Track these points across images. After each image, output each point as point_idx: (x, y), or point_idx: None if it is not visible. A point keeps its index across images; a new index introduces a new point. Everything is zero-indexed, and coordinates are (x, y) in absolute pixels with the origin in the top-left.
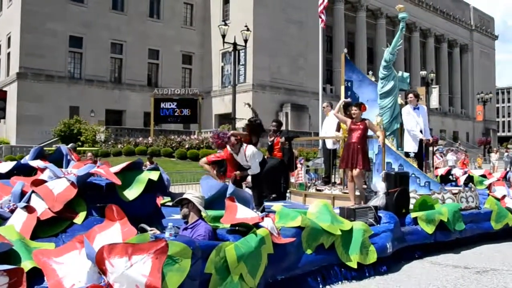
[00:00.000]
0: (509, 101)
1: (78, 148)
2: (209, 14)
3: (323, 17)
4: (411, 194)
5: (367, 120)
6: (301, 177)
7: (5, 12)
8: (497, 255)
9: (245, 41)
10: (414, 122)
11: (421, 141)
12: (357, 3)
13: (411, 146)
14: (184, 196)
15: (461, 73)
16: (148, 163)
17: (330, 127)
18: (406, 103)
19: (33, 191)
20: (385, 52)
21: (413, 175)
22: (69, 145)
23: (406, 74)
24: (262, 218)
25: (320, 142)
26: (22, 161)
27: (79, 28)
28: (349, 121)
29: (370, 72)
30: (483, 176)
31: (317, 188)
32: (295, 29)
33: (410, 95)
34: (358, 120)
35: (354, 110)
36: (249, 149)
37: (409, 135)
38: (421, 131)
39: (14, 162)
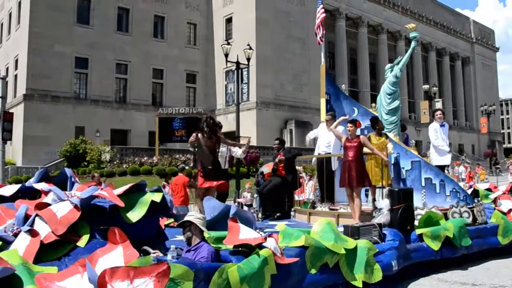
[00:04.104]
0: None
1: (82, 169)
2: (212, 33)
3: (318, 35)
4: (463, 208)
5: (361, 136)
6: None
7: (13, 35)
8: (505, 270)
9: (248, 59)
10: (441, 138)
11: None
12: (358, 19)
13: (438, 159)
14: (186, 218)
15: (464, 86)
16: (164, 183)
17: (330, 142)
18: None
19: (37, 214)
20: (395, 68)
21: (453, 190)
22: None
23: None
24: (265, 239)
25: (313, 159)
26: (27, 184)
27: (85, 49)
28: (344, 137)
29: (343, 86)
30: (489, 189)
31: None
32: (297, 46)
33: (439, 112)
34: (353, 137)
35: (349, 127)
36: None
37: (436, 150)
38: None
39: (19, 185)
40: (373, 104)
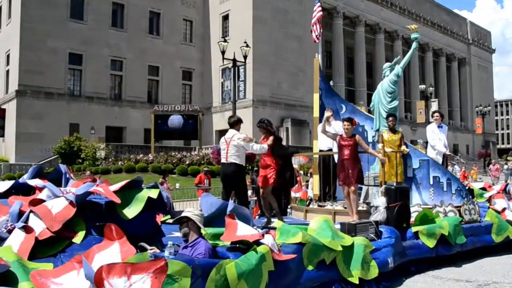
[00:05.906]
0: (508, 114)
1: (77, 166)
2: (209, 30)
3: (314, 33)
4: (471, 206)
5: (357, 135)
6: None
7: (4, 30)
8: (498, 267)
9: (245, 57)
10: (437, 139)
11: (444, 155)
12: (356, 19)
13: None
14: (184, 214)
15: (459, 87)
16: (162, 180)
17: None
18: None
19: (31, 211)
20: (397, 67)
21: (458, 188)
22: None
23: None
24: (263, 235)
25: (316, 156)
26: (21, 180)
27: (79, 45)
28: (338, 137)
29: (331, 83)
30: (483, 189)
31: (319, 204)
32: (295, 44)
33: (436, 114)
34: (348, 136)
35: (346, 125)
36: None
37: (433, 150)
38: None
39: (12, 181)
40: (361, 102)
